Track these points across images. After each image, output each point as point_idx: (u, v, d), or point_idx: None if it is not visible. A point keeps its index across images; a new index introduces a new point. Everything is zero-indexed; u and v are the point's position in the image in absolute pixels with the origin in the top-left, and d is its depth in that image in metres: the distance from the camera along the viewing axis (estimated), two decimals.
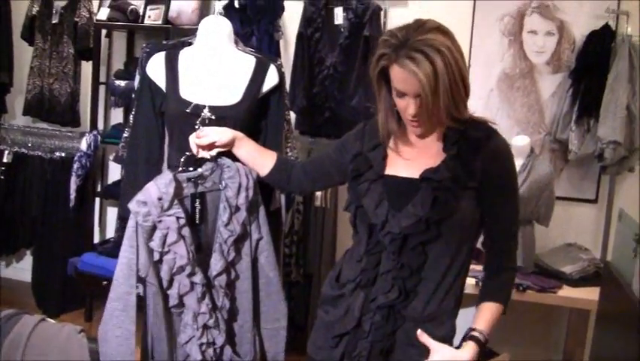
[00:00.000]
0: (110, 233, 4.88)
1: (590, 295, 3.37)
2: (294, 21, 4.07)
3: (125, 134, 3.67)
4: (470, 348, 1.79)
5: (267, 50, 3.84)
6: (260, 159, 2.31)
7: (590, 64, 3.80)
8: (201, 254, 2.34)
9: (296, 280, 4.03)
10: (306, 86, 3.98)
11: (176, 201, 2.24)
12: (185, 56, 2.63)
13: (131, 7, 4.28)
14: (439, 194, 1.80)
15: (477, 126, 1.87)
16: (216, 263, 2.32)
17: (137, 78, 3.58)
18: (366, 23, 3.91)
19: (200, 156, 2.31)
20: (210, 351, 2.35)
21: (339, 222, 4.04)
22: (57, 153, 4.64)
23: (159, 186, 2.22)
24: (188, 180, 2.31)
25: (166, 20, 4.21)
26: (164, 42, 3.26)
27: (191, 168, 2.32)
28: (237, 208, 2.33)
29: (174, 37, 3.82)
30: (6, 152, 4.72)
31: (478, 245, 1.97)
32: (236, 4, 3.91)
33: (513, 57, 4.09)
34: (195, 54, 2.64)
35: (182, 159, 2.31)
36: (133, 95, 3.70)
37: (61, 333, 2.20)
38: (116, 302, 2.27)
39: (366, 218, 1.90)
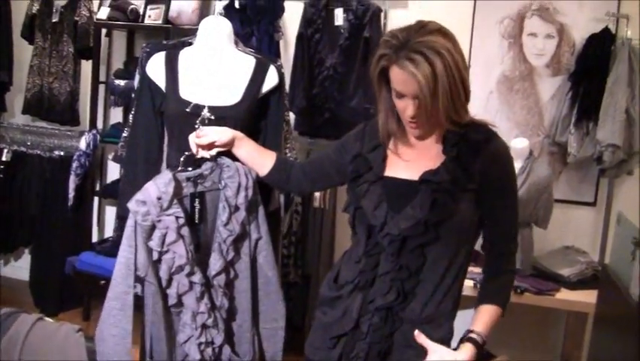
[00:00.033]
0: (109, 232, 4.88)
1: (587, 298, 3.37)
2: (294, 22, 4.07)
3: (124, 134, 3.67)
4: (468, 350, 1.79)
5: (266, 51, 3.84)
6: (259, 159, 2.31)
7: (590, 67, 3.81)
8: (200, 254, 2.34)
9: (294, 280, 4.03)
10: (306, 87, 3.98)
11: (175, 201, 2.24)
12: (185, 56, 2.64)
13: (132, 6, 4.29)
14: (438, 196, 1.80)
15: (477, 129, 1.86)
16: (215, 263, 2.32)
17: (137, 78, 3.58)
18: (366, 24, 3.91)
19: (199, 155, 2.31)
20: (209, 351, 2.35)
21: (337, 223, 4.04)
22: (56, 152, 4.64)
23: (158, 186, 2.23)
24: (188, 179, 2.32)
25: (166, 20, 4.21)
26: (164, 42, 3.26)
27: (190, 168, 2.32)
28: (237, 208, 2.33)
29: (174, 37, 3.82)
30: (5, 150, 4.71)
31: (477, 247, 1.97)
32: (237, 5, 3.91)
33: (513, 59, 4.09)
34: (195, 54, 2.64)
35: (181, 159, 2.31)
36: (132, 95, 3.70)
37: (58, 332, 2.20)
38: (113, 301, 2.27)
39: (365, 219, 1.90)
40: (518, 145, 3.52)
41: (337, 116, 3.97)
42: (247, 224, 2.37)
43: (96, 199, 4.81)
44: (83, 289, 4.43)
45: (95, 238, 4.81)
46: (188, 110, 2.47)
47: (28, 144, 4.73)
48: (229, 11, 3.87)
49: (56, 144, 4.71)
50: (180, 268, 2.26)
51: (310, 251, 4.05)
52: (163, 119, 2.64)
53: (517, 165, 3.32)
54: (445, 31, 1.74)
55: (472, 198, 1.83)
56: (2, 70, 4.69)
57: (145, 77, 2.67)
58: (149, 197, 2.20)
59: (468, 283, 2.00)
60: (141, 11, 4.30)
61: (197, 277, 2.29)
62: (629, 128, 3.68)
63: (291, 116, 3.81)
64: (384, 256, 1.87)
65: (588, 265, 3.64)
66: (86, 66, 4.63)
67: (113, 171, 4.87)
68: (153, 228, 2.22)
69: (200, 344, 2.33)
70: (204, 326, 2.33)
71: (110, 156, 4.74)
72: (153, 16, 4.27)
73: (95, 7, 4.53)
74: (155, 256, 2.25)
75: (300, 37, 4.01)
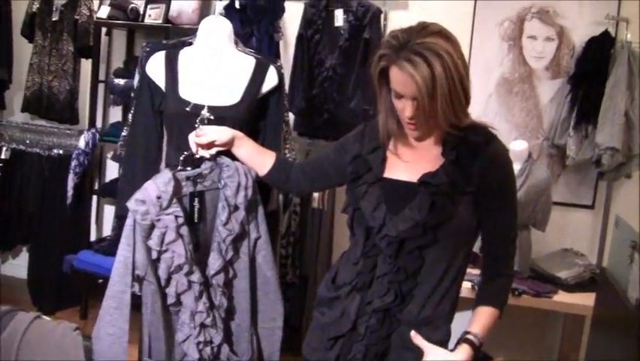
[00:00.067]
0: (107, 231, 4.88)
1: (585, 300, 3.38)
2: (294, 22, 4.07)
3: (123, 133, 3.67)
4: (464, 351, 1.79)
5: (266, 51, 3.84)
6: (259, 159, 2.31)
7: (589, 70, 3.81)
8: (199, 253, 2.34)
9: (292, 281, 4.03)
10: (305, 88, 3.98)
11: (174, 200, 2.24)
12: (184, 55, 2.64)
13: (132, 5, 4.29)
14: (437, 199, 1.80)
15: (477, 131, 1.86)
16: (214, 262, 2.33)
17: (137, 77, 3.58)
18: (366, 26, 3.91)
19: (199, 154, 2.31)
20: (208, 350, 2.35)
21: (335, 223, 4.04)
22: (55, 151, 4.64)
23: (158, 185, 2.23)
24: (187, 178, 2.32)
25: (166, 19, 4.22)
26: (164, 41, 3.26)
27: (189, 168, 2.32)
28: (236, 207, 2.33)
29: (174, 36, 3.82)
30: (4, 148, 4.71)
31: (475, 249, 1.97)
32: (237, 5, 3.91)
33: (512, 62, 4.10)
34: (195, 54, 2.64)
35: (181, 158, 2.31)
36: (132, 94, 3.70)
37: (56, 331, 2.20)
38: (110, 300, 2.27)
39: (363, 221, 1.90)
40: (517, 147, 3.52)
41: (336, 117, 3.97)
42: (246, 224, 2.38)
43: (95, 198, 4.82)
44: (81, 288, 4.44)
45: (93, 237, 4.81)
46: (188, 109, 2.47)
47: (27, 142, 4.73)
48: (229, 11, 3.87)
49: (55, 142, 4.71)
50: (179, 268, 2.26)
51: (308, 252, 4.05)
52: (162, 119, 2.64)
53: (516, 167, 3.33)
54: (447, 33, 1.74)
55: (470, 200, 1.83)
56: (2, 68, 4.69)
57: (145, 77, 2.67)
58: (148, 196, 2.21)
59: (466, 285, 2.00)
60: (141, 10, 4.31)
61: (195, 277, 2.29)
62: (628, 131, 3.69)
63: (291, 116, 3.81)
64: (382, 257, 1.87)
65: (586, 267, 3.64)
66: (86, 65, 4.64)
67: (112, 170, 4.86)
68: (152, 227, 2.22)
69: (198, 343, 2.33)
70: (203, 325, 2.33)
71: (109, 155, 4.75)
72: (153, 16, 4.27)
73: (95, 6, 4.54)
74: (154, 255, 2.25)
75: (300, 38, 4.01)
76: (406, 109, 1.78)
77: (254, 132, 2.60)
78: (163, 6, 4.24)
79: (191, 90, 2.54)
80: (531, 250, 3.65)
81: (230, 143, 2.30)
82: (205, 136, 2.28)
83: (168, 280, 2.29)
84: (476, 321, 1.85)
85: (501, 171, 1.86)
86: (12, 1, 4.76)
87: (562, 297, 3.47)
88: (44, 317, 2.25)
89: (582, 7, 3.95)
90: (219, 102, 2.52)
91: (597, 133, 3.70)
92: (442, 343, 1.87)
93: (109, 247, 4.19)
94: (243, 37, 3.56)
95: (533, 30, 4.05)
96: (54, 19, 4.55)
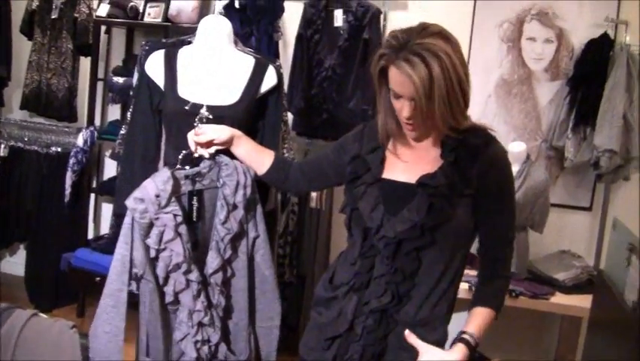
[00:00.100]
0: (105, 229, 4.88)
1: (582, 302, 3.38)
2: (293, 22, 4.07)
3: (122, 131, 3.67)
4: (459, 350, 1.79)
5: (265, 51, 3.84)
6: (258, 158, 2.30)
7: (588, 72, 3.81)
8: (198, 252, 2.34)
9: (289, 280, 4.03)
10: (304, 88, 3.98)
11: (173, 199, 2.24)
12: (184, 54, 2.64)
13: (131, 4, 4.29)
14: (435, 200, 1.80)
15: (476, 133, 1.86)
16: (212, 261, 2.32)
17: (136, 75, 3.58)
18: (365, 26, 3.91)
19: (198, 153, 2.31)
20: (205, 349, 2.35)
21: (333, 223, 4.04)
22: (53, 148, 4.64)
23: (157, 184, 2.22)
24: (186, 177, 2.31)
25: (166, 18, 4.22)
26: (164, 40, 3.26)
27: (187, 167, 2.32)
28: (235, 206, 2.33)
29: (173, 35, 3.82)
30: (2, 146, 4.71)
31: (473, 250, 1.97)
32: (237, 4, 3.90)
33: (511, 63, 4.10)
34: (194, 53, 2.64)
35: (180, 157, 2.31)
36: (131, 92, 3.70)
37: (53, 328, 2.20)
38: (108, 298, 2.27)
39: (361, 221, 1.90)
40: (515, 149, 3.52)
41: (335, 117, 3.98)
42: (245, 223, 2.38)
43: (92, 196, 4.81)
44: (78, 286, 4.43)
45: (90, 235, 4.81)
46: (187, 108, 2.47)
47: (26, 139, 4.73)
48: (229, 11, 3.87)
49: (54, 140, 4.71)
50: (177, 266, 2.26)
51: (306, 251, 4.05)
52: (161, 118, 2.64)
53: (515, 168, 3.33)
54: (447, 34, 1.74)
55: (468, 202, 1.82)
56: (1, 65, 4.68)
57: (143, 75, 2.67)
58: (147, 194, 2.20)
59: (463, 286, 2.00)
60: (141, 9, 4.31)
61: (194, 275, 2.29)
62: (627, 133, 3.69)
63: (289, 116, 3.81)
64: (380, 258, 1.87)
65: (583, 269, 3.64)
66: (85, 63, 4.64)
67: (110, 168, 4.87)
68: (151, 225, 2.22)
69: (196, 342, 2.33)
70: (201, 324, 2.33)
71: (107, 153, 4.74)
72: (153, 14, 4.27)
73: (94, 4, 4.53)
74: (153, 253, 2.25)
75: (300, 38, 4.01)
76: (403, 109, 1.78)
77: (252, 132, 2.60)
78: (162, 4, 4.24)
79: (190, 89, 2.54)
80: (528, 251, 3.65)
81: (229, 142, 2.29)
82: (204, 135, 2.28)
83: (166, 278, 2.28)
84: (472, 321, 1.85)
85: (500, 173, 1.86)
86: None
87: (559, 299, 3.47)
88: (41, 314, 2.25)
89: (581, 10, 3.95)
90: (218, 101, 2.51)
91: (595, 135, 3.71)
92: (439, 344, 1.87)
93: (106, 245, 4.19)
94: (242, 37, 3.56)
95: (532, 32, 4.05)
96: (53, 16, 4.55)
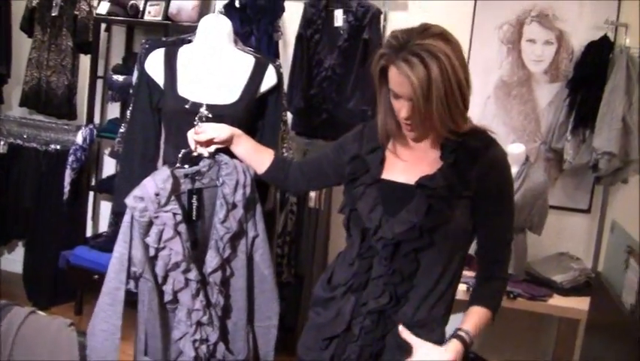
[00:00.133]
0: (103, 227, 4.88)
1: (580, 304, 3.38)
2: (293, 22, 4.07)
3: (121, 130, 3.67)
4: (453, 346, 1.78)
5: (265, 50, 3.84)
6: (258, 157, 2.31)
7: (588, 74, 3.81)
8: (197, 251, 2.34)
9: (287, 280, 4.03)
10: (304, 88, 3.98)
11: (173, 197, 2.24)
12: (184, 53, 2.64)
13: (131, 2, 4.29)
14: (434, 202, 1.80)
15: (476, 136, 1.86)
16: (212, 260, 2.33)
17: (135, 74, 3.58)
18: (365, 26, 3.91)
19: (198, 152, 2.31)
20: (204, 348, 2.35)
21: (332, 224, 4.04)
22: (52, 146, 4.64)
23: (157, 182, 2.22)
24: (186, 176, 2.31)
25: (166, 17, 4.22)
26: (164, 39, 3.26)
27: (186, 166, 2.32)
28: (234, 205, 2.33)
29: (173, 33, 3.82)
30: (1, 143, 4.71)
31: (471, 251, 1.97)
32: (237, 4, 3.90)
33: (511, 65, 4.10)
34: (194, 52, 2.65)
35: (179, 155, 2.31)
36: (130, 91, 3.69)
37: (51, 326, 2.20)
38: (105, 296, 2.28)
39: (359, 222, 1.90)
40: (515, 151, 3.52)
41: (334, 118, 3.97)
42: (244, 222, 2.38)
43: (91, 194, 4.81)
44: (76, 284, 4.43)
45: (89, 233, 4.81)
46: (187, 106, 2.47)
47: (25, 136, 4.73)
48: (229, 10, 3.87)
49: (53, 137, 4.70)
50: (176, 265, 2.26)
51: (304, 251, 4.05)
52: (160, 116, 2.64)
53: (513, 170, 3.33)
54: (448, 36, 1.73)
55: (467, 204, 1.82)
56: (0, 62, 4.68)
57: (143, 74, 2.67)
58: (146, 193, 2.20)
59: (461, 287, 2.00)
60: (141, 7, 4.31)
61: (193, 274, 2.29)
62: (626, 136, 3.69)
63: (289, 116, 3.81)
64: (378, 259, 1.87)
65: (581, 272, 3.65)
66: (85, 60, 4.63)
67: (109, 166, 4.87)
68: (150, 224, 2.22)
69: (194, 341, 2.33)
70: (199, 324, 2.33)
71: (107, 151, 4.74)
72: (153, 13, 4.27)
73: (94, 2, 4.53)
74: (152, 252, 2.25)
75: (300, 38, 4.01)
76: (402, 110, 1.78)
77: (252, 131, 2.60)
78: (163, 3, 4.24)
79: (189, 88, 2.54)
80: (527, 253, 3.65)
81: (229, 140, 2.29)
82: (204, 133, 2.28)
83: (165, 277, 2.28)
84: (468, 320, 1.85)
85: (500, 175, 1.86)
86: None
87: (557, 301, 3.48)
88: (39, 312, 2.25)
89: (582, 12, 3.95)
90: (218, 100, 2.52)
91: (594, 138, 3.71)
92: (437, 345, 1.88)
93: (105, 243, 4.19)
94: (242, 36, 3.56)
95: (532, 33, 4.06)
96: (53, 14, 4.54)
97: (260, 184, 2.41)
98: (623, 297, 2.45)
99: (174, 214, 2.23)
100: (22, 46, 4.77)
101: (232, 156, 2.34)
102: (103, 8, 4.38)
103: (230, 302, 2.42)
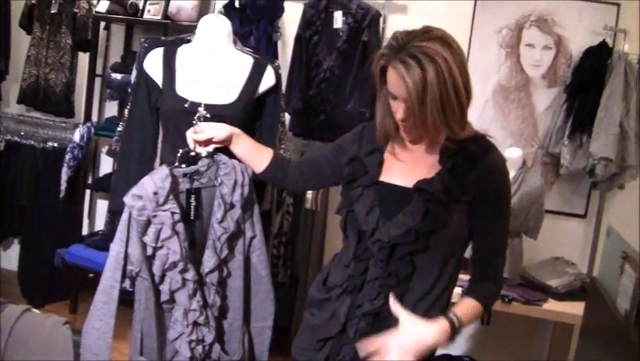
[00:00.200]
0: (99, 226, 4.87)
1: (574, 309, 3.39)
2: (293, 22, 4.07)
3: (119, 128, 3.66)
4: (441, 325, 1.76)
5: (264, 51, 3.84)
6: (256, 156, 2.30)
7: (586, 80, 3.83)
8: (194, 251, 2.34)
9: (282, 281, 4.03)
10: (302, 89, 3.98)
11: (171, 197, 2.24)
12: (183, 53, 2.64)
13: (131, 0, 4.28)
14: (431, 206, 1.79)
15: (476, 141, 1.85)
16: (209, 260, 2.32)
17: (134, 72, 3.57)
18: (365, 28, 3.91)
19: (197, 151, 2.31)
20: (199, 348, 2.35)
21: (328, 225, 4.04)
22: (50, 143, 4.63)
23: (155, 181, 2.22)
24: (184, 175, 2.31)
25: (165, 16, 4.22)
26: (163, 38, 3.25)
27: (183, 165, 2.32)
28: (232, 205, 2.33)
29: (173, 33, 3.82)
30: None
31: (467, 254, 1.97)
32: (237, 4, 3.91)
33: (509, 69, 4.11)
34: (193, 52, 2.65)
35: (178, 155, 2.31)
36: (129, 89, 3.69)
37: (45, 324, 2.20)
38: (101, 295, 2.28)
39: (356, 224, 1.90)
40: (512, 155, 3.53)
41: (332, 119, 3.98)
42: (242, 222, 2.37)
43: (88, 192, 4.81)
44: (72, 282, 4.42)
45: (85, 231, 4.80)
46: (186, 105, 2.47)
47: (22, 134, 4.71)
48: (229, 10, 3.87)
49: (50, 135, 4.69)
50: (174, 265, 2.26)
51: (300, 252, 4.05)
52: (158, 116, 2.64)
53: (510, 174, 3.30)
54: (449, 40, 1.72)
55: (464, 209, 1.82)
56: None
57: (142, 73, 2.67)
58: (145, 192, 2.20)
59: (456, 291, 1.99)
60: (140, 6, 4.30)
61: (190, 274, 2.29)
62: (623, 142, 3.70)
63: (286, 117, 3.81)
64: (374, 261, 1.87)
65: (576, 276, 3.65)
66: (83, 58, 4.63)
67: (106, 165, 4.86)
68: (148, 223, 2.22)
69: (190, 341, 2.33)
70: (195, 324, 2.32)
71: (104, 150, 4.74)
72: (152, 11, 4.27)
73: (94, 0, 4.52)
74: (150, 251, 2.25)
75: (299, 39, 4.01)
76: (398, 110, 1.77)
77: (250, 132, 2.60)
78: (162, 2, 4.24)
79: (188, 88, 2.54)
80: (522, 257, 3.66)
81: (228, 140, 2.29)
82: (203, 133, 2.27)
83: (162, 277, 2.28)
84: (459, 307, 1.82)
85: (498, 181, 1.86)
86: None
87: (551, 305, 3.48)
88: (34, 310, 2.25)
89: (581, 17, 3.96)
90: (216, 100, 2.52)
91: (591, 143, 3.71)
92: (432, 349, 1.87)
93: (101, 241, 4.19)
94: (241, 37, 3.56)
95: (531, 38, 4.07)
96: (53, 11, 4.53)
97: (257, 184, 2.41)
98: (618, 302, 2.45)
99: (172, 213, 2.23)
100: (20, 43, 4.76)
101: (230, 156, 2.34)
102: (102, 6, 4.38)
103: (227, 303, 2.42)
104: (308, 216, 4.01)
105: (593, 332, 2.83)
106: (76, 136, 4.44)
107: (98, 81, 4.64)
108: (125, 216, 2.22)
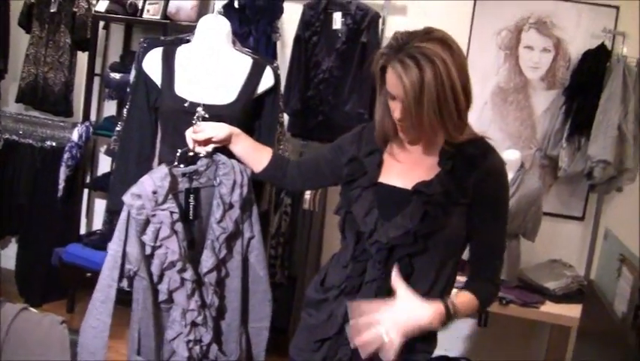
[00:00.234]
0: (97, 225, 4.87)
1: (572, 312, 3.39)
2: (292, 23, 4.07)
3: (117, 128, 3.66)
4: (437, 307, 1.74)
5: (263, 51, 3.84)
6: (256, 155, 2.30)
7: (584, 82, 3.83)
8: (193, 251, 2.34)
9: (280, 282, 4.03)
10: (301, 89, 3.98)
11: (170, 196, 2.24)
12: (182, 53, 2.63)
13: (130, 0, 4.28)
14: (430, 208, 1.79)
15: (475, 143, 1.85)
16: (207, 260, 2.32)
17: (133, 72, 3.57)
18: (364, 30, 3.92)
19: (196, 151, 2.31)
20: (197, 349, 2.35)
21: (326, 225, 4.05)
22: (48, 142, 4.62)
23: (154, 180, 2.22)
24: (183, 175, 2.31)
25: (164, 16, 4.21)
26: (162, 38, 3.25)
27: (182, 165, 2.31)
28: (231, 206, 2.33)
29: (172, 33, 3.82)
30: None
31: (465, 256, 1.97)
32: (236, 4, 3.91)
33: (508, 71, 4.11)
34: (192, 52, 2.64)
35: (177, 154, 2.31)
36: (127, 89, 3.69)
37: (42, 323, 2.20)
38: (98, 293, 2.28)
39: (354, 225, 1.90)
40: (510, 157, 3.53)
41: (331, 120, 3.98)
42: (240, 222, 2.38)
43: (86, 191, 4.80)
44: (69, 281, 4.41)
45: (83, 231, 4.79)
46: (185, 105, 2.47)
47: (20, 132, 4.71)
48: (228, 10, 3.87)
49: (48, 134, 4.69)
50: (172, 264, 2.26)
51: (298, 253, 4.05)
52: (157, 116, 2.64)
53: (509, 176, 3.33)
54: (449, 42, 1.72)
55: (463, 212, 1.82)
56: None
57: (141, 72, 2.67)
58: (144, 191, 2.20)
59: (453, 292, 1.99)
60: (140, 5, 4.30)
61: (188, 274, 2.29)
62: (621, 144, 3.70)
63: (285, 117, 3.81)
64: (372, 263, 1.86)
65: (574, 279, 3.65)
66: (82, 58, 4.62)
67: (104, 164, 4.85)
68: (147, 222, 2.22)
69: (188, 341, 2.33)
70: (194, 324, 2.33)
71: (102, 149, 4.74)
72: (152, 11, 4.27)
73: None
74: (148, 250, 2.25)
75: (298, 40, 4.01)
76: (395, 110, 1.78)
77: (248, 132, 2.60)
78: (162, 2, 4.23)
79: (187, 88, 2.54)
80: (520, 259, 3.66)
81: (227, 139, 2.29)
82: (202, 132, 2.28)
83: (161, 276, 2.28)
84: (456, 297, 1.82)
85: (497, 183, 1.86)
86: None
87: (549, 308, 3.48)
88: (31, 309, 2.25)
89: (580, 20, 3.97)
90: (215, 101, 2.52)
91: (590, 145, 3.72)
92: (429, 351, 1.87)
93: (98, 241, 4.18)
94: (240, 37, 3.56)
95: (530, 40, 4.07)
96: (52, 10, 4.53)
97: (255, 185, 2.41)
98: (615, 305, 2.45)
99: (171, 213, 2.23)
100: (19, 41, 4.76)
101: (230, 156, 2.34)
102: (102, 6, 4.38)
103: (225, 303, 2.42)
104: (306, 217, 4.01)
105: (590, 335, 2.83)
106: (75, 135, 4.43)
107: (96, 80, 4.64)
108: (123, 215, 2.22)
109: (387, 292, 1.82)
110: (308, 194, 3.92)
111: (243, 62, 2.65)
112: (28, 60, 4.61)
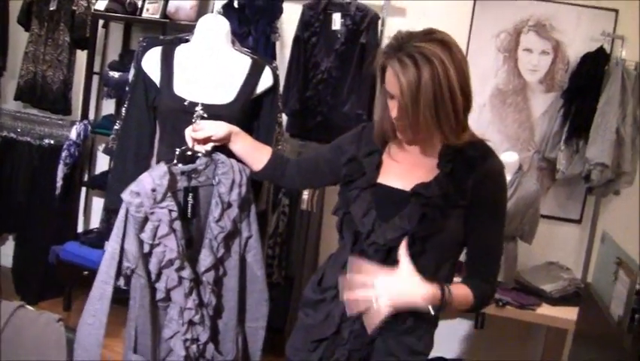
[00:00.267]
0: (95, 223, 4.86)
1: (568, 314, 3.39)
2: (291, 23, 4.07)
3: (116, 127, 3.66)
4: (431, 290, 1.72)
5: (262, 51, 3.84)
6: (255, 154, 2.30)
7: (583, 85, 3.84)
8: (191, 249, 2.34)
9: (277, 281, 4.03)
10: (300, 90, 3.98)
11: (169, 194, 2.24)
12: (181, 52, 2.63)
13: None
14: (428, 210, 1.79)
15: (474, 145, 1.84)
16: (205, 259, 2.32)
17: (132, 71, 3.57)
18: (363, 31, 3.92)
19: (195, 149, 2.31)
20: (194, 348, 2.35)
21: (323, 225, 4.04)
22: (46, 140, 4.62)
23: (153, 178, 2.22)
24: (182, 173, 2.31)
25: (164, 15, 4.21)
26: (161, 37, 3.25)
27: (180, 164, 2.31)
28: (229, 205, 2.33)
29: (171, 32, 3.82)
30: None
31: (461, 258, 1.97)
32: (235, 4, 3.91)
33: (507, 73, 4.12)
34: (192, 51, 2.64)
35: (176, 153, 2.30)
36: (126, 88, 3.69)
37: (39, 321, 2.19)
38: (95, 290, 2.28)
39: (352, 225, 1.89)
40: (508, 159, 3.53)
41: (329, 120, 3.98)
42: (239, 222, 2.38)
43: (83, 190, 4.79)
44: (66, 279, 4.41)
45: (80, 229, 4.79)
46: (184, 104, 2.47)
47: (19, 130, 4.70)
48: (227, 10, 3.87)
49: (47, 132, 4.68)
50: (170, 263, 2.25)
51: (295, 253, 4.05)
52: (155, 115, 2.64)
53: (506, 178, 3.34)
54: (449, 43, 1.72)
55: (461, 214, 1.82)
56: None
57: (140, 71, 2.67)
58: (143, 188, 2.20)
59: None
60: (139, 4, 4.30)
61: (186, 273, 2.29)
62: (619, 148, 3.71)
63: (283, 117, 3.81)
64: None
65: (571, 281, 3.66)
66: (81, 56, 4.62)
67: (102, 163, 4.85)
68: (146, 220, 2.22)
69: (185, 340, 2.32)
70: (191, 323, 2.32)
71: (100, 147, 4.73)
72: (151, 10, 4.27)
73: None
74: (146, 248, 2.25)
75: (297, 40, 4.01)
76: (393, 109, 1.78)
77: (247, 132, 2.60)
78: (161, 1, 4.23)
79: (186, 87, 2.54)
80: (517, 261, 3.66)
81: (226, 138, 2.29)
82: (202, 131, 2.28)
83: (159, 274, 2.28)
84: (452, 285, 1.81)
85: (495, 186, 1.86)
86: None
87: (545, 310, 3.49)
88: (28, 306, 2.24)
89: (579, 23, 3.97)
90: (214, 100, 2.52)
91: (588, 148, 3.73)
92: (425, 352, 1.87)
93: (96, 239, 4.19)
94: (240, 37, 3.56)
95: (529, 43, 4.07)
96: (51, 8, 4.53)
97: (253, 185, 2.42)
98: (612, 308, 2.45)
99: (170, 211, 2.23)
100: (18, 39, 4.75)
101: (229, 155, 2.34)
102: (101, 4, 4.38)
103: (222, 302, 2.42)
104: (303, 217, 4.00)
105: (586, 338, 2.84)
106: (73, 133, 4.43)
107: (95, 79, 4.64)
108: (122, 213, 2.22)
109: None
110: (306, 194, 3.92)
111: (242, 62, 2.65)
112: (27, 58, 4.61)
